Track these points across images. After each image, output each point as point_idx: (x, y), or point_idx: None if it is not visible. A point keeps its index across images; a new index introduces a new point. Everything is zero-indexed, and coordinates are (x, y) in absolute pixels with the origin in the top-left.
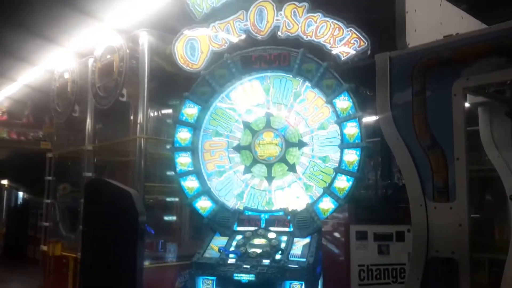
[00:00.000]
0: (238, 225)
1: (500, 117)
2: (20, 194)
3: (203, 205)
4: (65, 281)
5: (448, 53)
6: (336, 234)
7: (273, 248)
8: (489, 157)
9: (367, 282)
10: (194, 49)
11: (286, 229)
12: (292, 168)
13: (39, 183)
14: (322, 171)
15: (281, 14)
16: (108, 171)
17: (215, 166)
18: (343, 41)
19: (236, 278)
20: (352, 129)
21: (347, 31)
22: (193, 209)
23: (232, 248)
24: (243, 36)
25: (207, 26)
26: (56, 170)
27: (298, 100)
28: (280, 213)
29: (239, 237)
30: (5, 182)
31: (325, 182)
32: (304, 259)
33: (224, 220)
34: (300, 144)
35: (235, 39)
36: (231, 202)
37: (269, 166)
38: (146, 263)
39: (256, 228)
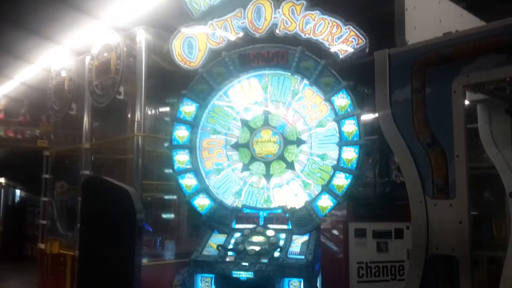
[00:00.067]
0: (237, 223)
1: (499, 114)
2: (17, 192)
3: (201, 203)
4: (63, 279)
5: (448, 50)
6: (335, 232)
7: (271, 245)
8: (488, 154)
9: (365, 279)
10: (192, 47)
11: (285, 226)
12: (290, 165)
13: (36, 181)
14: (320, 169)
15: (279, 12)
16: (106, 169)
17: (213, 164)
18: (341, 39)
19: (234, 275)
20: (350, 127)
21: (345, 29)
22: (191, 207)
23: (230, 246)
24: (241, 34)
25: (204, 23)
26: (53, 168)
27: (296, 98)
28: (279, 211)
29: (237, 234)
30: (2, 180)
31: (323, 179)
32: (303, 257)
33: (222, 218)
34: (298, 142)
35: (233, 37)
36: (229, 200)
37: (267, 164)
38: (144, 261)
39: (254, 225)
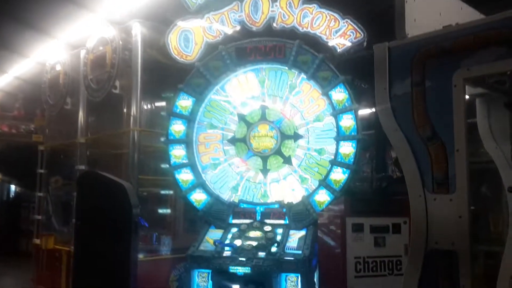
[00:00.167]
0: (233, 218)
1: (498, 108)
2: (12, 187)
3: (198, 197)
4: (58, 275)
5: (448, 43)
6: (332, 227)
7: (268, 240)
8: (486, 148)
9: (363, 274)
10: (188, 40)
11: (282, 221)
12: (287, 160)
13: (31, 176)
14: (317, 164)
15: (276, 5)
16: (101, 164)
17: (210, 158)
18: (339, 33)
19: (231, 270)
20: (348, 121)
21: (343, 22)
22: (188, 202)
23: (227, 241)
24: (238, 28)
25: (201, 17)
26: (48, 163)
27: (293, 92)
28: (276, 206)
29: (234, 229)
30: None
31: (320, 174)
32: (300, 252)
33: (219, 213)
34: (296, 137)
35: (229, 31)
36: (226, 195)
37: (265, 158)
38: (140, 256)
39: (251, 220)
